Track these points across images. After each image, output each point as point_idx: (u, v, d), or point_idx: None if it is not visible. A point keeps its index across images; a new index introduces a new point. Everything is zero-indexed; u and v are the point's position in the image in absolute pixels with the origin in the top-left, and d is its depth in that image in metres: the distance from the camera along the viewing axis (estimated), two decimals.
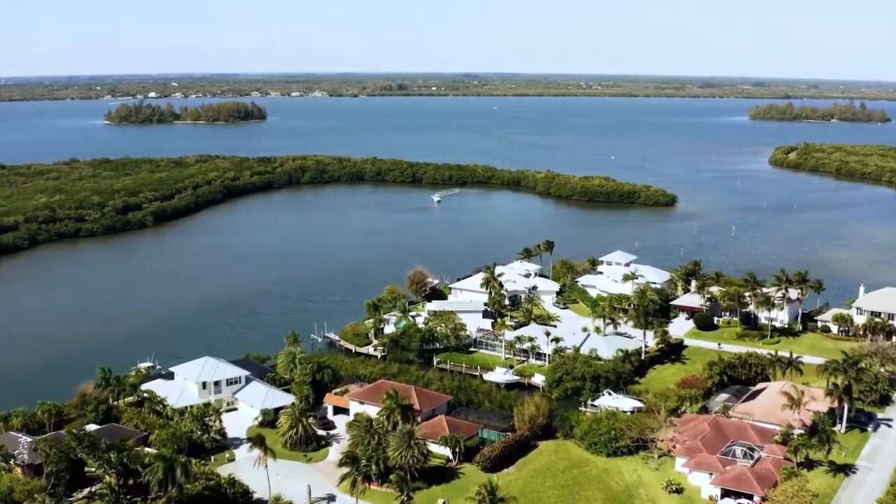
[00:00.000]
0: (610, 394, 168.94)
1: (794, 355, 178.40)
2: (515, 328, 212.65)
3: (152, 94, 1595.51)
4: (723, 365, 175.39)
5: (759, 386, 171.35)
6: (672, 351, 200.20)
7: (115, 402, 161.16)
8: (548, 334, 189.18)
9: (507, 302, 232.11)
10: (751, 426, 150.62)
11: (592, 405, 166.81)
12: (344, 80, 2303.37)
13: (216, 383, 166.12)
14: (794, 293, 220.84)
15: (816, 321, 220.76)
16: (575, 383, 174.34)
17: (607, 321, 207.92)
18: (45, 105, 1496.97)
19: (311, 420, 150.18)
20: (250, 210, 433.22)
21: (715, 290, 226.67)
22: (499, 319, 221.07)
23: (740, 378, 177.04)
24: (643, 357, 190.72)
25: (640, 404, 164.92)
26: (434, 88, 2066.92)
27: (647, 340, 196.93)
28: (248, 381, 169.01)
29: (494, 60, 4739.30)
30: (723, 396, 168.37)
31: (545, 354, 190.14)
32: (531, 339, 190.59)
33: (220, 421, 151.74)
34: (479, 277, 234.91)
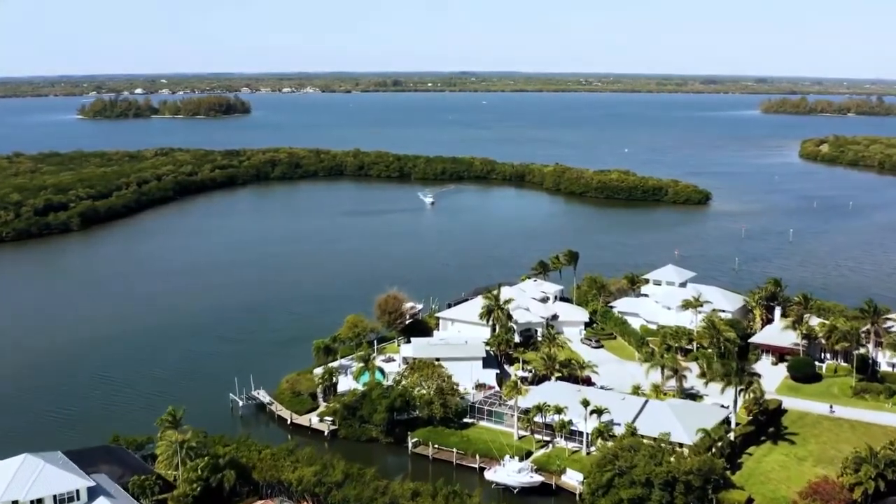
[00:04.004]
0: None
1: None
2: (531, 381, 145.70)
3: (139, 91, 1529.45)
4: (881, 464, 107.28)
5: None
6: (770, 420, 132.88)
7: None
8: (586, 403, 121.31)
9: (517, 338, 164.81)
10: None
11: None
12: (339, 77, 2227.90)
13: (36, 503, 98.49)
14: None
15: None
16: (635, 491, 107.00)
17: (667, 372, 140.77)
18: (27, 101, 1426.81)
19: None
20: (202, 211, 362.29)
21: (815, 322, 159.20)
22: (509, 369, 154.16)
23: None
24: (733, 437, 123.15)
25: None
26: (430, 84, 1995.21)
27: (729, 403, 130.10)
28: (92, 495, 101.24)
29: (494, 59, 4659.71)
30: None
31: (582, 433, 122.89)
32: (559, 410, 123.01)
33: None
34: (479, 303, 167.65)
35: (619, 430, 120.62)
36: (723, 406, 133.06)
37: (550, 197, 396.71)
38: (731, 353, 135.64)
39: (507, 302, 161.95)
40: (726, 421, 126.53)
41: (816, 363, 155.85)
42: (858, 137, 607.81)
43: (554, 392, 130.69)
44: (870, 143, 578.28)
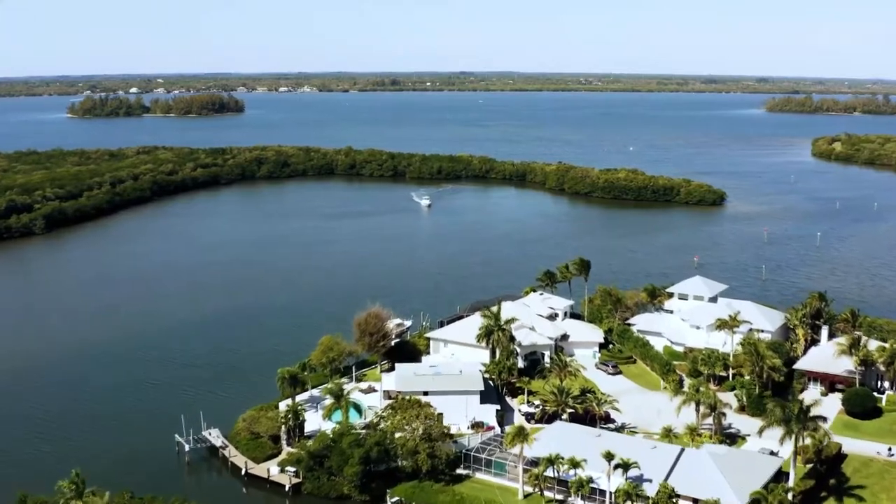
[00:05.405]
0: None
1: None
2: (538, 418, 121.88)
3: (133, 90, 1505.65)
4: None
5: None
6: (831, 470, 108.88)
7: None
8: (609, 457, 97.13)
9: (520, 363, 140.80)
10: None
11: None
12: (337, 77, 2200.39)
13: None
14: None
15: None
16: None
17: (704, 410, 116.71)
18: (19, 101, 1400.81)
19: None
20: (179, 213, 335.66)
21: (873, 346, 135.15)
22: (512, 402, 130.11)
23: None
24: (791, 497, 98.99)
25: None
26: (428, 84, 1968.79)
27: (779, 448, 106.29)
28: None
29: (493, 59, 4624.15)
30: None
31: (604, 491, 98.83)
32: (575, 464, 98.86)
33: None
34: (476, 321, 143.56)
35: (649, 489, 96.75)
36: (772, 453, 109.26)
37: (553, 197, 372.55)
38: (794, 397, 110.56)
39: (510, 322, 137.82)
40: (779, 473, 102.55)
41: (875, 394, 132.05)
42: (871, 136, 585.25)
43: (568, 437, 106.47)
44: (884, 141, 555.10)
